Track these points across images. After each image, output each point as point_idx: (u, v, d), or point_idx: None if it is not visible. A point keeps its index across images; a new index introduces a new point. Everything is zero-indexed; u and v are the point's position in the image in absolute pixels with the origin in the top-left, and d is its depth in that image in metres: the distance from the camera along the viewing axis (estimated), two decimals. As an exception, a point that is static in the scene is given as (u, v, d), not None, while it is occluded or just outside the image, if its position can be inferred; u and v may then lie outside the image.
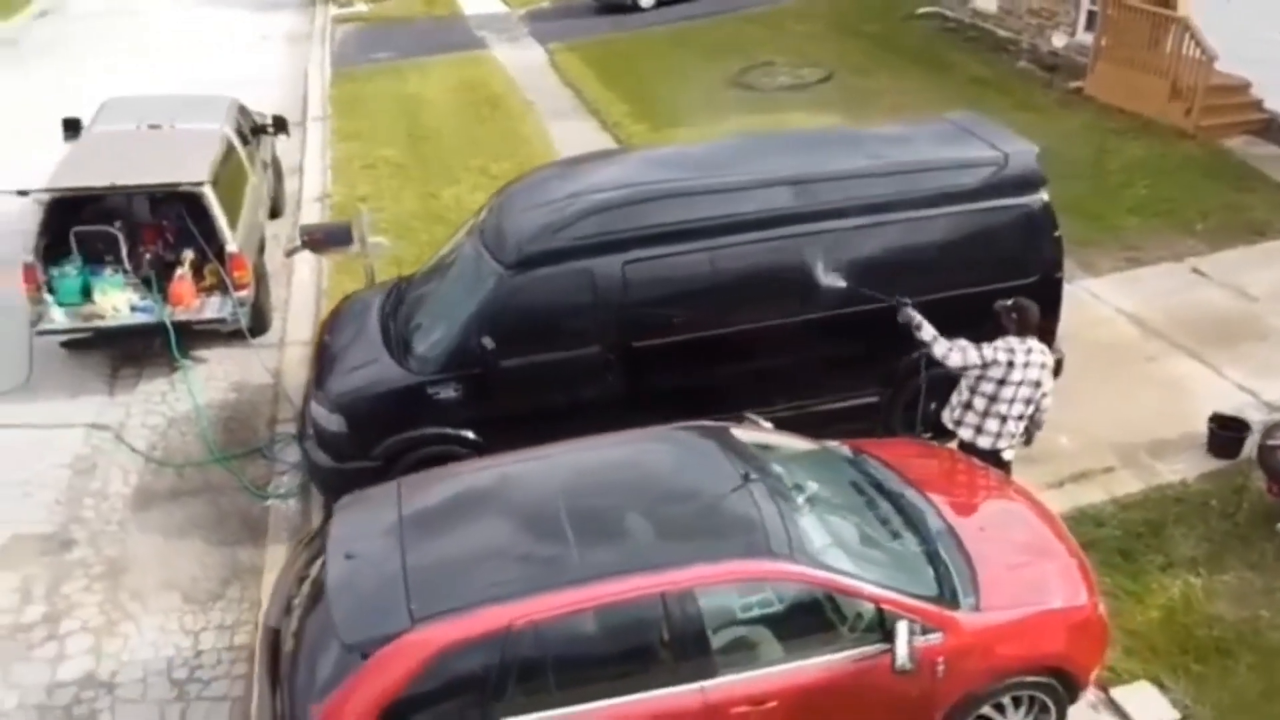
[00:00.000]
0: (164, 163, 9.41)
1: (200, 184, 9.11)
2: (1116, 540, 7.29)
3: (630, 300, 7.25)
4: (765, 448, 5.99)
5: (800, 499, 5.52)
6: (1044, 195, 7.84)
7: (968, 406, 6.88)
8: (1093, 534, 7.29)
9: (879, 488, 5.96)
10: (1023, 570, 5.55)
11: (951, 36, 18.58)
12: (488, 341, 7.03)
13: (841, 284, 7.57)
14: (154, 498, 8.11)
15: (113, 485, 8.22)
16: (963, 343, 6.75)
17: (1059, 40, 16.47)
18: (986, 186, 7.74)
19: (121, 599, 7.09)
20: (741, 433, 6.02)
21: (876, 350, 7.75)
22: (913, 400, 7.75)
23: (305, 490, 8.04)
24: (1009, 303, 6.87)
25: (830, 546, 5.21)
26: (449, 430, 7.24)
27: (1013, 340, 6.68)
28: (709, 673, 4.83)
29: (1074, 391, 8.65)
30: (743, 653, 4.95)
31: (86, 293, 9.15)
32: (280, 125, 12.22)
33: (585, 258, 7.16)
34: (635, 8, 22.20)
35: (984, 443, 6.79)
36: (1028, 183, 7.80)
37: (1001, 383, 6.76)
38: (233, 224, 9.41)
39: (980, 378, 6.78)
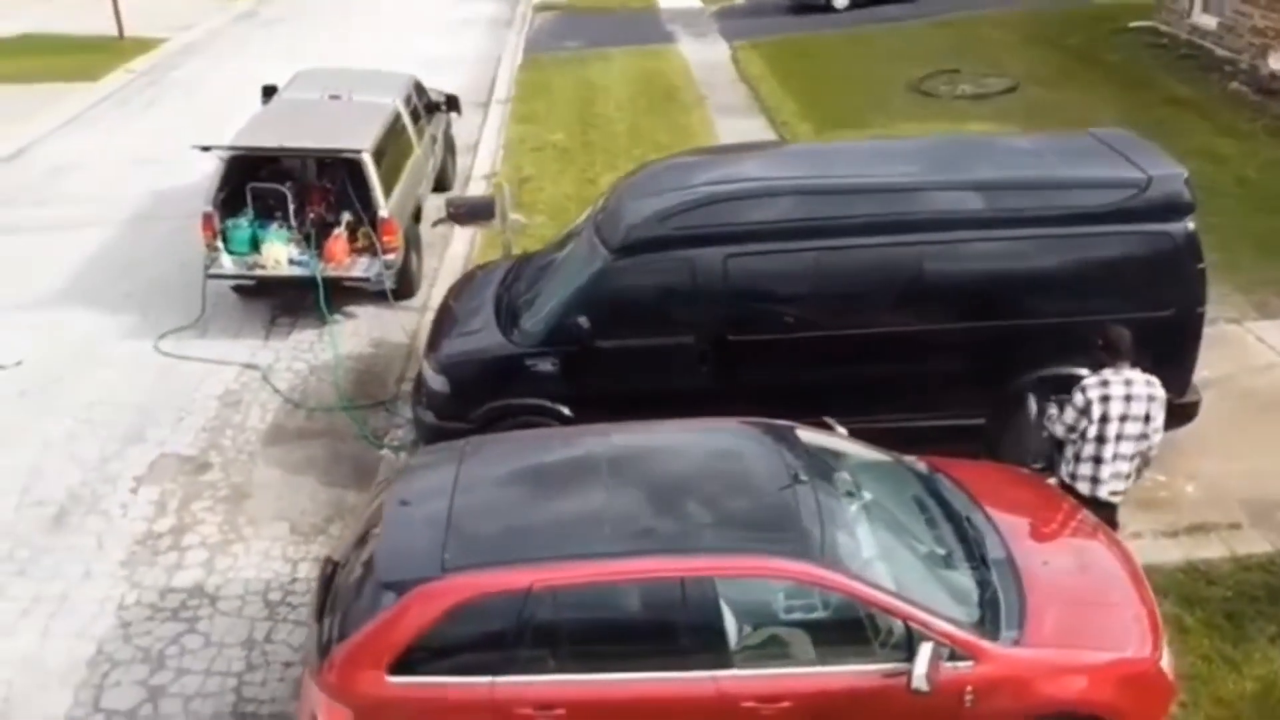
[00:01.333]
0: (332, 130, 10.17)
1: (360, 152, 9.79)
2: (1226, 601, 6.73)
3: (729, 293, 7.30)
4: (831, 452, 5.93)
5: (851, 506, 5.44)
6: (1189, 224, 7.30)
7: (1078, 458, 6.48)
8: (1201, 591, 6.79)
9: (945, 507, 5.78)
10: (1081, 610, 5.27)
11: (1160, 53, 17.38)
12: (583, 321, 7.25)
13: (950, 297, 7.36)
14: (283, 435, 8.82)
15: (251, 420, 9.00)
16: (1052, 411, 6.45)
17: (1278, 63, 15.12)
18: (1123, 209, 7.28)
19: (239, 522, 7.77)
20: (808, 434, 5.98)
21: (982, 371, 7.48)
22: (1021, 428, 7.44)
23: (415, 444, 8.54)
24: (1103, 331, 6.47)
25: (869, 558, 5.12)
26: (544, 403, 7.51)
27: (1106, 373, 6.29)
28: (724, 663, 4.86)
29: (1213, 438, 8.06)
30: (763, 649, 4.95)
31: (255, 244, 10.02)
32: (452, 104, 12.90)
33: (688, 247, 7.25)
34: (829, 8, 21.97)
35: (1101, 492, 6.37)
36: (1171, 208, 7.29)
37: (1104, 420, 6.37)
38: (388, 191, 10.06)
39: (1084, 425, 6.41)
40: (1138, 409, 6.32)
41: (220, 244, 9.90)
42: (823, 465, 5.66)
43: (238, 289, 10.50)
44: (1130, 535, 7.24)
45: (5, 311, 10.58)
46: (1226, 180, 12.37)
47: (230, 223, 9.97)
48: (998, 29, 19.18)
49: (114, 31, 20.50)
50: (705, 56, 19.64)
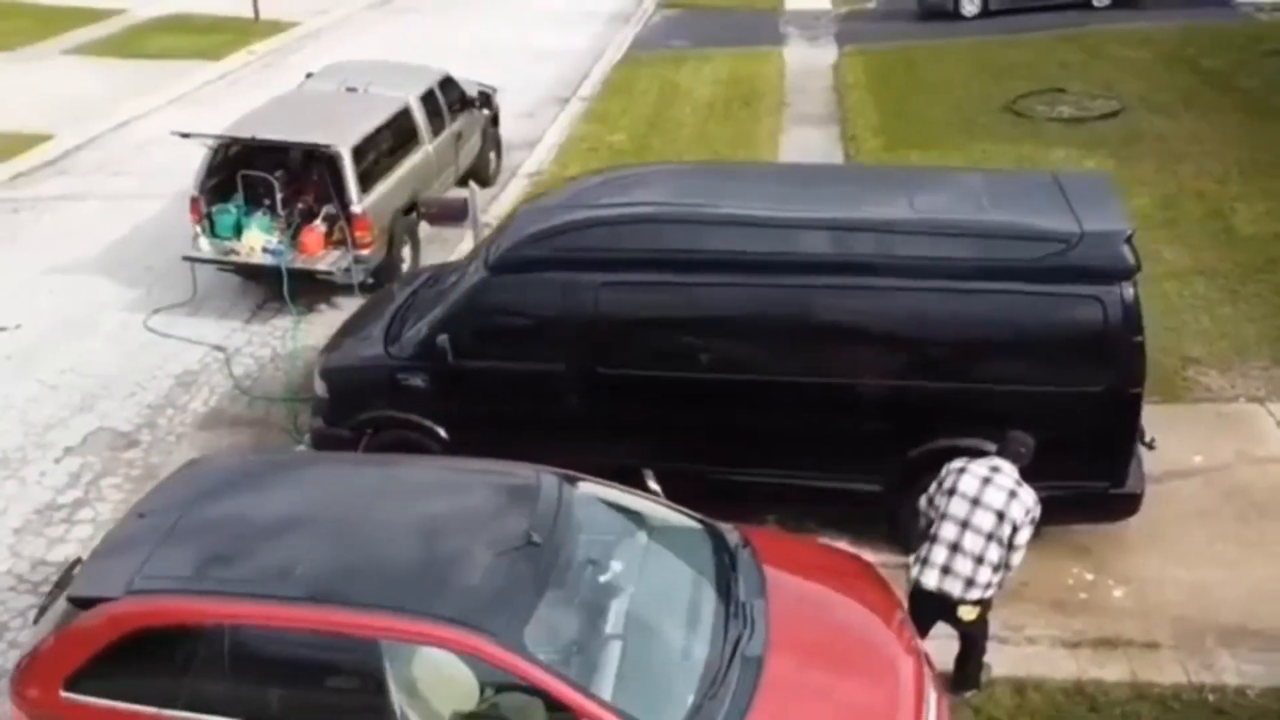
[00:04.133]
0: (320, 124, 10.29)
1: (336, 147, 9.86)
2: (1093, 733, 5.79)
3: (602, 323, 6.86)
4: (610, 513, 5.44)
5: (590, 578, 4.96)
6: (1126, 289, 6.28)
7: (921, 536, 5.75)
8: (1074, 716, 5.85)
9: (725, 591, 5.17)
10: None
11: (1312, 82, 15.26)
12: (448, 339, 6.99)
13: (842, 348, 6.64)
14: (219, 420, 9.03)
15: (195, 402, 9.26)
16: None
17: None
18: (1046, 267, 6.35)
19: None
20: (592, 488, 5.51)
21: (876, 434, 6.74)
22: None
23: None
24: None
25: (570, 640, 4.65)
26: (416, 418, 7.32)
27: (980, 459, 5.62)
28: (383, 730, 4.54)
29: (1169, 538, 7.03)
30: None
31: (239, 230, 10.30)
32: (485, 101, 12.84)
33: (562, 270, 6.86)
34: (957, 15, 20.59)
35: (915, 572, 5.63)
36: (1104, 272, 6.30)
37: (951, 493, 5.60)
38: (369, 187, 10.12)
39: (940, 503, 5.66)
40: (993, 499, 5.51)
41: (197, 228, 10.21)
42: (582, 527, 5.19)
43: (237, 273, 10.82)
44: (1024, 639, 6.40)
45: (35, 274, 11.34)
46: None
47: (218, 208, 10.28)
48: (1130, 47, 17.37)
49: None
50: (807, 62, 18.82)
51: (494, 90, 13.96)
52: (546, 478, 5.42)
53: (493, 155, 13.85)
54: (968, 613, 5.60)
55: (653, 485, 5.85)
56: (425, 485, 5.46)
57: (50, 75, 18.35)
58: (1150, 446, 6.91)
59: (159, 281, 11.13)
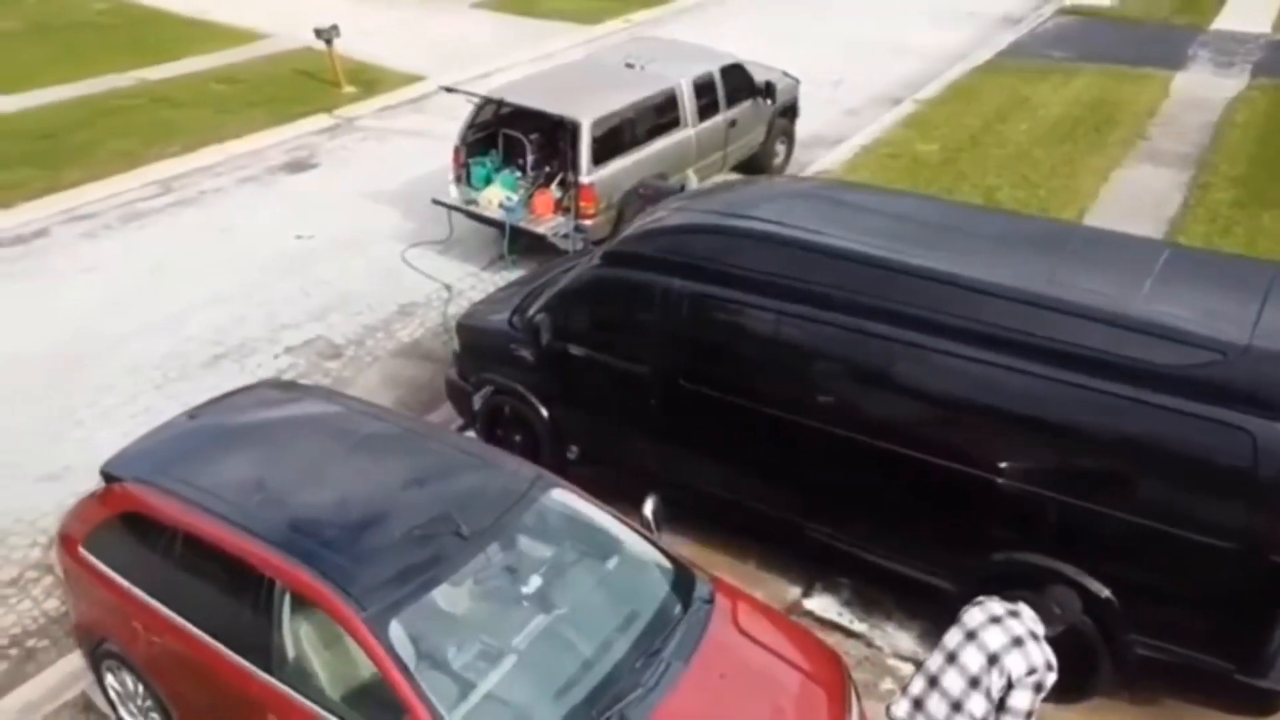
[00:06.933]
0: (574, 95, 10.67)
1: (577, 118, 10.20)
2: None
3: (689, 335, 6.54)
4: (583, 527, 5.26)
5: (498, 584, 4.86)
6: (1281, 427, 4.83)
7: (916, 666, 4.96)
8: None
9: (651, 640, 4.81)
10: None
11: None
12: (542, 318, 7.05)
13: (935, 421, 5.78)
14: (413, 352, 9.85)
15: (403, 332, 10.17)
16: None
17: None
18: (1191, 379, 5.05)
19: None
20: (572, 499, 5.34)
21: (952, 526, 5.84)
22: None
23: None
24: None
25: (441, 639, 4.58)
26: (519, 389, 7.50)
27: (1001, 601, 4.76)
28: (268, 668, 4.78)
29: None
30: (297, 671, 4.74)
31: (488, 183, 11.05)
32: (769, 92, 12.54)
33: (661, 273, 6.61)
34: None
35: (892, 705, 4.83)
36: (1263, 400, 4.88)
37: (957, 622, 4.74)
38: (604, 161, 10.38)
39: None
40: (990, 639, 4.61)
41: (462, 176, 11.08)
42: (532, 534, 5.07)
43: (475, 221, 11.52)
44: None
45: (347, 195, 13.00)
46: None
47: (475, 160, 11.10)
48: None
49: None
50: (1199, 91, 16.19)
51: (798, 81, 13.62)
52: (522, 476, 5.32)
53: (781, 148, 13.55)
54: None
55: (647, 513, 5.53)
56: (410, 453, 5.53)
57: (453, 25, 20.67)
58: None
59: (433, 220, 12.27)
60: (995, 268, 5.85)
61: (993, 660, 4.55)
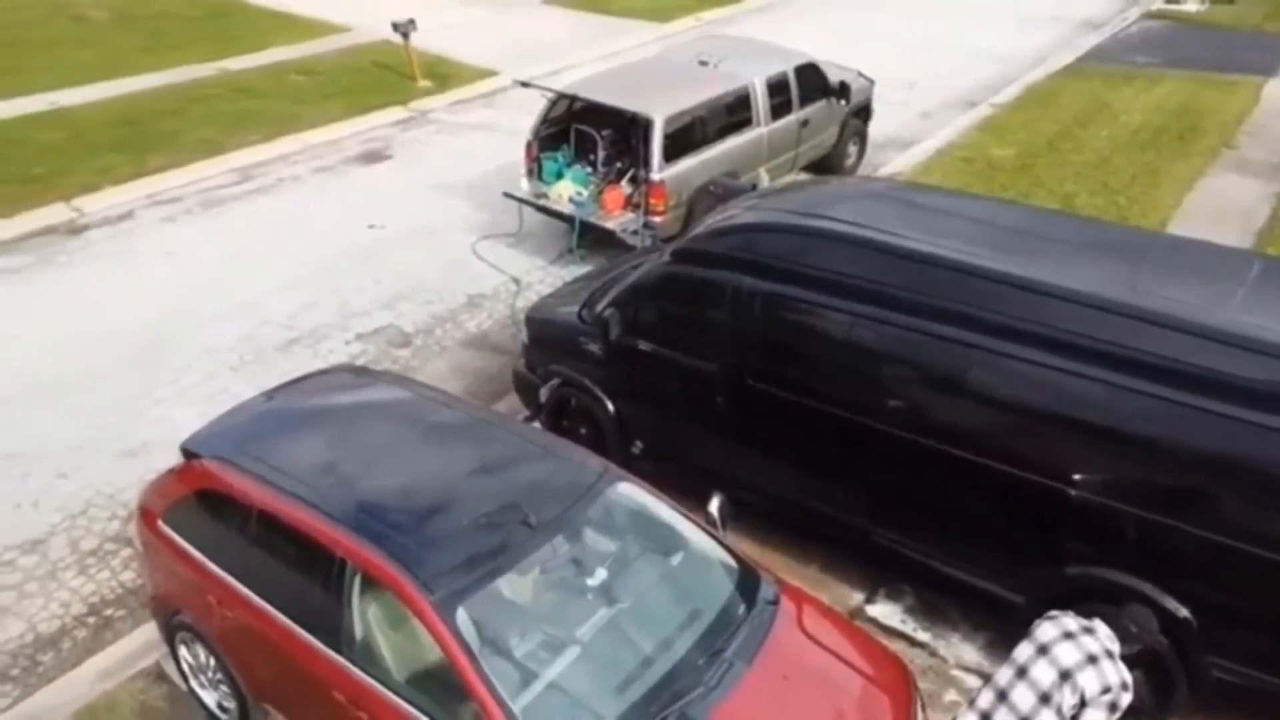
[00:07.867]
0: (647, 92, 10.66)
1: (649, 115, 10.20)
2: None
3: (758, 334, 6.50)
4: (649, 522, 5.25)
5: (564, 576, 4.87)
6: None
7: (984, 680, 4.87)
8: None
9: (712, 641, 4.79)
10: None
11: None
12: (611, 313, 7.06)
13: (1009, 428, 5.67)
14: (481, 343, 9.94)
15: (472, 322, 10.27)
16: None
17: None
18: (1274, 394, 4.88)
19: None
20: (639, 494, 5.35)
21: (1027, 537, 5.73)
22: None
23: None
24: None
25: (507, 623, 4.60)
26: (587, 382, 7.53)
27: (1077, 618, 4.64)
28: (337, 647, 4.86)
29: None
30: (365, 651, 4.80)
31: (560, 178, 11.10)
32: (843, 92, 12.42)
33: (731, 270, 6.58)
34: None
35: None
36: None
37: (1029, 636, 4.65)
38: (675, 158, 10.37)
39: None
40: (1063, 655, 4.50)
41: (533, 170, 11.15)
42: (587, 524, 5.09)
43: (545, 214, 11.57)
44: None
45: (420, 186, 13.18)
46: None
47: (547, 154, 11.16)
48: None
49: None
50: (1292, 100, 15.68)
51: (872, 82, 13.47)
52: (590, 468, 5.34)
53: (853, 149, 13.42)
54: None
55: (712, 511, 5.51)
56: (480, 441, 5.56)
57: (526, 22, 20.83)
58: None
59: (504, 213, 12.37)
60: (1073, 272, 5.71)
61: (1065, 677, 4.44)
